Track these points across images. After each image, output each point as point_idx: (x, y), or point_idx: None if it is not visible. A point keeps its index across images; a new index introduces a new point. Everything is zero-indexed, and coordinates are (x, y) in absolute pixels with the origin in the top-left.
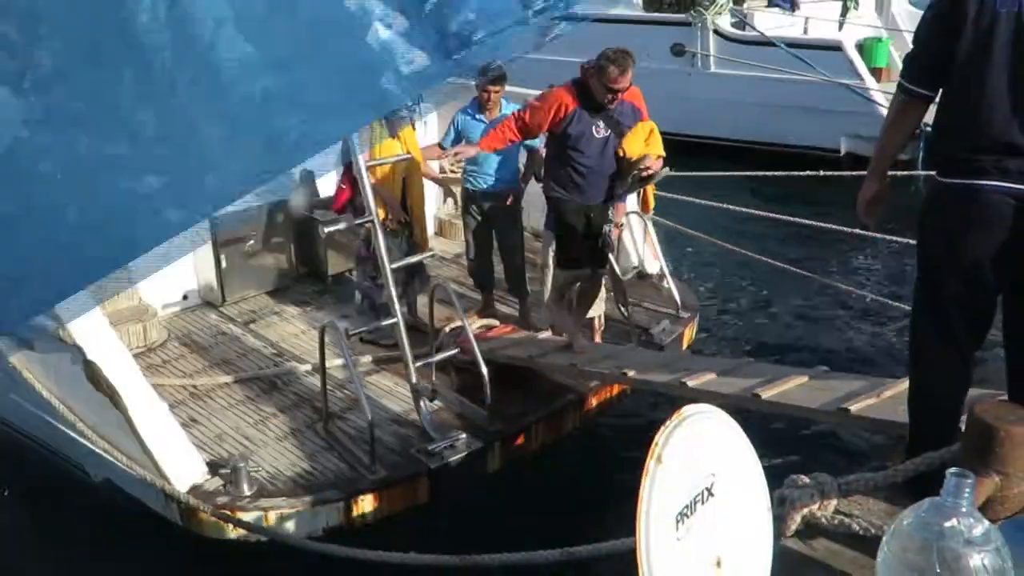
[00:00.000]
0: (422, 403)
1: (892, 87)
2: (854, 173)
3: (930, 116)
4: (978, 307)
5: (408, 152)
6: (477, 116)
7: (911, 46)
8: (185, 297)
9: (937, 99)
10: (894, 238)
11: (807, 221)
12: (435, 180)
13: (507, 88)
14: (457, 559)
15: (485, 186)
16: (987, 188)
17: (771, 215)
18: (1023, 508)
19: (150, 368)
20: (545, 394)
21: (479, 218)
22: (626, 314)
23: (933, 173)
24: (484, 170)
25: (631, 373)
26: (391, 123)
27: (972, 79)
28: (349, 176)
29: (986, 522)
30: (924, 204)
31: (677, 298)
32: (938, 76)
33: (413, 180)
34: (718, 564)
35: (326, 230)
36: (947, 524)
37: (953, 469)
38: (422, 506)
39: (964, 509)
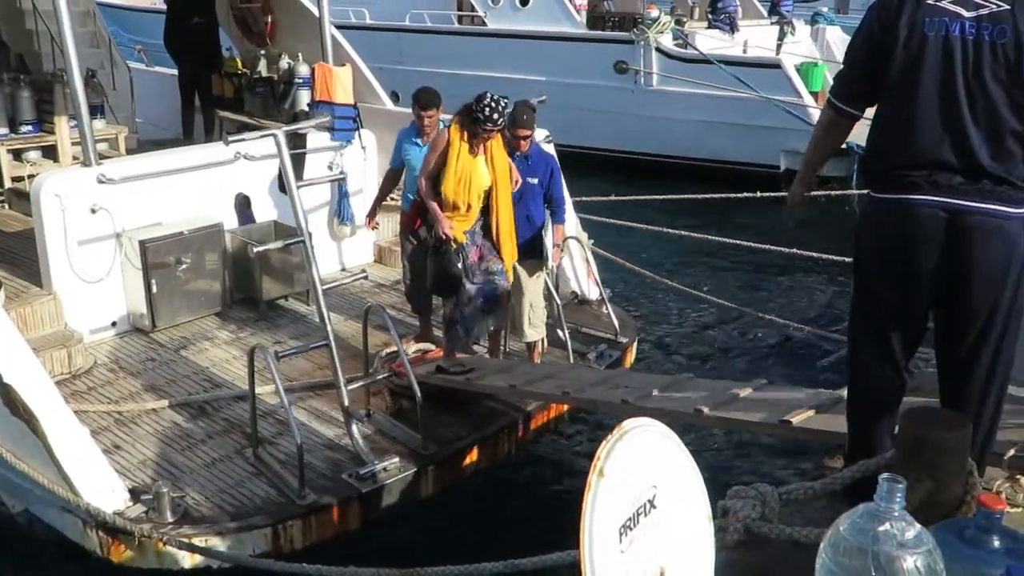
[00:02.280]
0: (355, 427)
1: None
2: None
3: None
4: (911, 318)
5: (493, 170)
6: (415, 140)
7: (842, 66)
8: (114, 323)
9: (870, 117)
10: (831, 256)
11: (746, 243)
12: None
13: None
14: (399, 572)
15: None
16: (919, 202)
17: (708, 237)
18: (954, 511)
19: (74, 395)
20: (481, 418)
21: (415, 242)
22: (565, 337)
23: (867, 191)
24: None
25: (571, 392)
26: (473, 136)
27: (903, 99)
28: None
29: (918, 525)
30: (859, 219)
31: (616, 323)
32: (867, 96)
33: (500, 200)
34: (661, 575)
35: (256, 250)
36: (881, 528)
37: (885, 475)
38: (353, 532)
39: (897, 513)
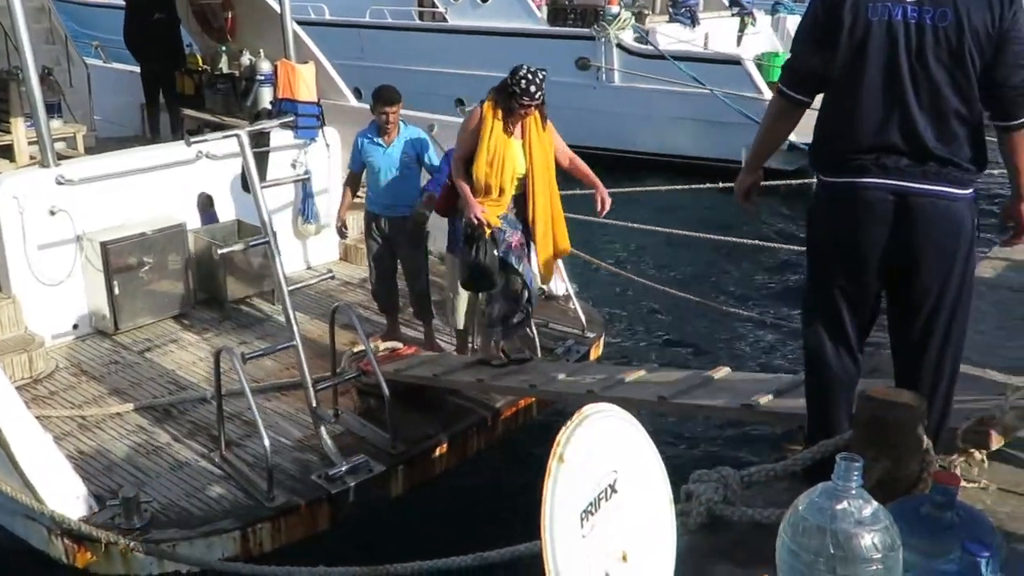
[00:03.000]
0: (323, 427)
1: None
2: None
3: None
4: (864, 300)
5: (530, 154)
6: (376, 140)
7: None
8: (75, 326)
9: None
10: (790, 246)
11: (707, 235)
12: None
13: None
14: (368, 570)
15: (388, 210)
16: (867, 185)
17: (671, 231)
18: (911, 488)
19: (36, 400)
20: (450, 416)
21: (380, 241)
22: (532, 333)
23: (817, 176)
24: (387, 194)
25: (540, 386)
26: (508, 113)
27: (849, 84)
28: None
29: (875, 503)
30: (811, 203)
31: (583, 318)
32: (815, 83)
33: (537, 187)
34: (624, 559)
35: (220, 252)
36: (839, 507)
37: (842, 454)
38: (322, 534)
39: (854, 491)
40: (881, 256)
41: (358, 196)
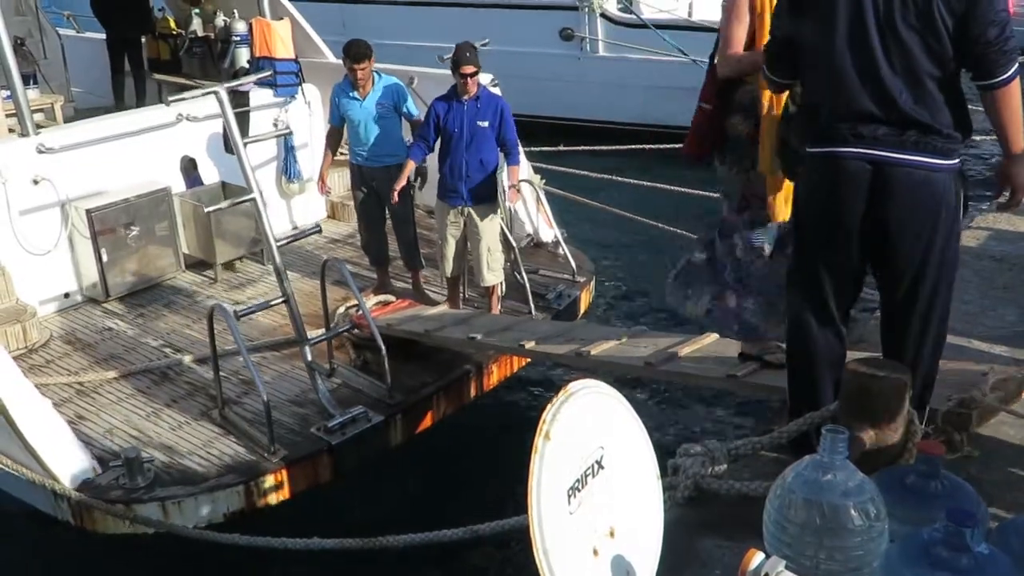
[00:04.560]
0: (319, 380)
1: None
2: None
3: None
4: (846, 271)
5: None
6: (351, 93)
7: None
8: (67, 295)
9: None
10: None
11: (696, 192)
12: None
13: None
14: (361, 542)
15: (371, 161)
16: (845, 155)
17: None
18: (896, 459)
19: (32, 369)
20: (445, 364)
21: (366, 191)
22: (522, 280)
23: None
24: (368, 146)
25: (528, 345)
26: None
27: (820, 54)
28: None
29: (861, 474)
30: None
31: (572, 263)
32: (788, 60)
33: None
34: (611, 534)
35: (207, 210)
36: (825, 478)
37: (828, 426)
38: (325, 485)
39: (839, 463)
40: (860, 227)
41: (342, 152)
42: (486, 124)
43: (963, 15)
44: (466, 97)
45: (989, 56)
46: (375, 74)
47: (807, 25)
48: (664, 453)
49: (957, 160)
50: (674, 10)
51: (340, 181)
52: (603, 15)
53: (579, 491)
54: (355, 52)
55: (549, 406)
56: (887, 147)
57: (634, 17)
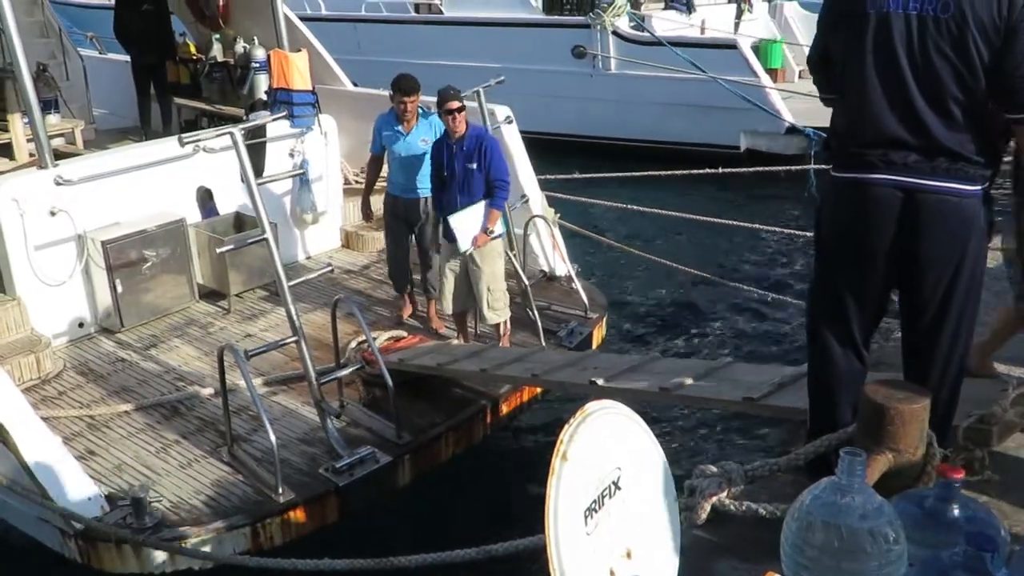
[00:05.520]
0: (329, 420)
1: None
2: (753, 169)
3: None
4: (870, 296)
5: None
6: (395, 126)
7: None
8: (81, 325)
9: None
10: (792, 231)
11: (708, 219)
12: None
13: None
14: (373, 562)
15: (408, 192)
16: (875, 181)
17: (673, 213)
18: (915, 482)
19: (44, 400)
20: (455, 404)
21: (398, 221)
22: (534, 316)
23: (828, 168)
24: (406, 178)
25: (540, 374)
26: None
27: (853, 78)
28: None
29: (879, 497)
30: (820, 197)
31: (585, 299)
32: (829, 76)
33: None
34: (628, 555)
35: (219, 251)
36: (843, 501)
37: (846, 448)
38: (332, 526)
39: (858, 486)
40: (888, 253)
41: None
42: (474, 166)
43: (1000, 48)
44: (454, 138)
45: (1022, 90)
46: (419, 108)
47: (840, 48)
48: (679, 473)
49: (983, 186)
50: (688, 27)
51: (353, 211)
52: (615, 33)
53: (596, 512)
54: (405, 86)
55: (567, 426)
56: (918, 174)
57: (646, 35)
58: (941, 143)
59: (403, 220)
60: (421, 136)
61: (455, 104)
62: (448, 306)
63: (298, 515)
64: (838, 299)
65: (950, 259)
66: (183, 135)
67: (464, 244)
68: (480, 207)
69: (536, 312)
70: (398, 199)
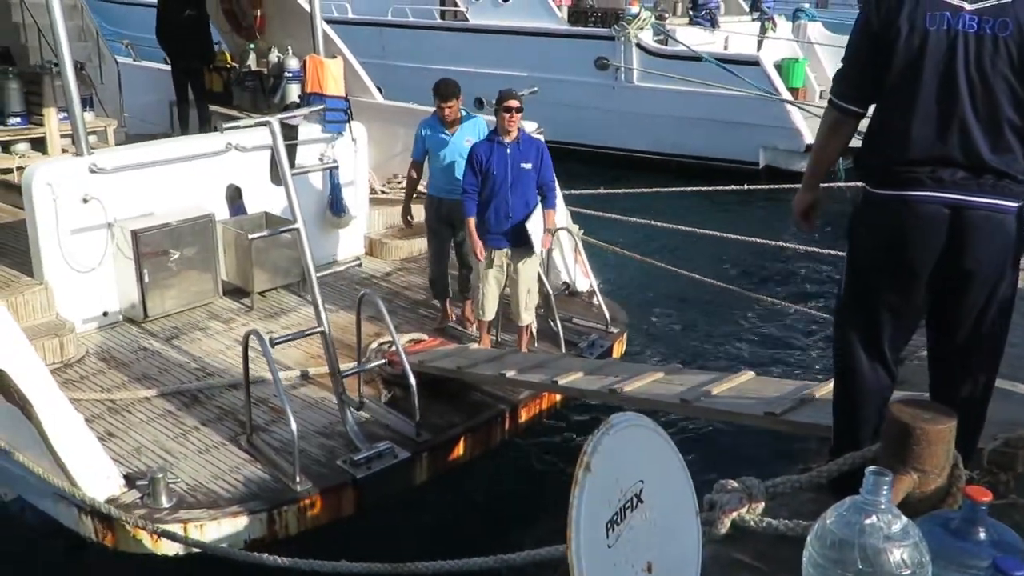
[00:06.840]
0: (349, 413)
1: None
2: (773, 187)
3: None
4: (907, 313)
5: None
6: (440, 129)
7: (840, 64)
8: (105, 313)
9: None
10: (814, 248)
11: (730, 235)
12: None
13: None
14: (390, 567)
15: (453, 194)
16: (921, 199)
17: (695, 230)
18: (940, 503)
19: (67, 383)
20: (474, 406)
21: (440, 223)
22: (556, 327)
23: (861, 184)
24: (451, 179)
25: (562, 381)
26: None
27: (904, 95)
28: None
29: (904, 518)
30: (854, 215)
31: (607, 314)
32: (868, 93)
33: None
34: (648, 569)
35: (251, 237)
36: (867, 521)
37: (871, 468)
38: (348, 518)
39: (883, 506)
40: (933, 270)
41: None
42: (529, 166)
43: None
44: (508, 139)
45: None
46: (462, 111)
47: (891, 62)
48: (700, 487)
49: (1019, 203)
50: (711, 43)
51: (380, 219)
52: (639, 45)
53: (618, 524)
54: (445, 91)
55: (590, 438)
56: (965, 191)
57: (669, 47)
58: (988, 163)
59: (446, 222)
60: (465, 136)
61: (515, 103)
62: (490, 311)
63: (315, 505)
64: (872, 315)
65: (992, 276)
66: (223, 123)
67: (539, 246)
68: (539, 210)
69: (559, 323)
70: (442, 201)
